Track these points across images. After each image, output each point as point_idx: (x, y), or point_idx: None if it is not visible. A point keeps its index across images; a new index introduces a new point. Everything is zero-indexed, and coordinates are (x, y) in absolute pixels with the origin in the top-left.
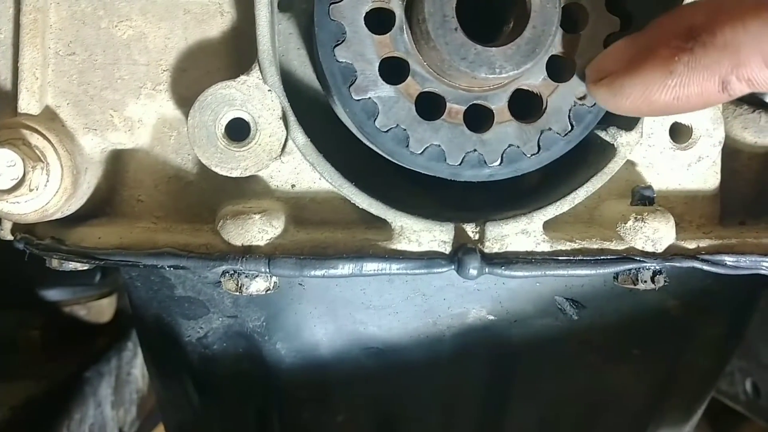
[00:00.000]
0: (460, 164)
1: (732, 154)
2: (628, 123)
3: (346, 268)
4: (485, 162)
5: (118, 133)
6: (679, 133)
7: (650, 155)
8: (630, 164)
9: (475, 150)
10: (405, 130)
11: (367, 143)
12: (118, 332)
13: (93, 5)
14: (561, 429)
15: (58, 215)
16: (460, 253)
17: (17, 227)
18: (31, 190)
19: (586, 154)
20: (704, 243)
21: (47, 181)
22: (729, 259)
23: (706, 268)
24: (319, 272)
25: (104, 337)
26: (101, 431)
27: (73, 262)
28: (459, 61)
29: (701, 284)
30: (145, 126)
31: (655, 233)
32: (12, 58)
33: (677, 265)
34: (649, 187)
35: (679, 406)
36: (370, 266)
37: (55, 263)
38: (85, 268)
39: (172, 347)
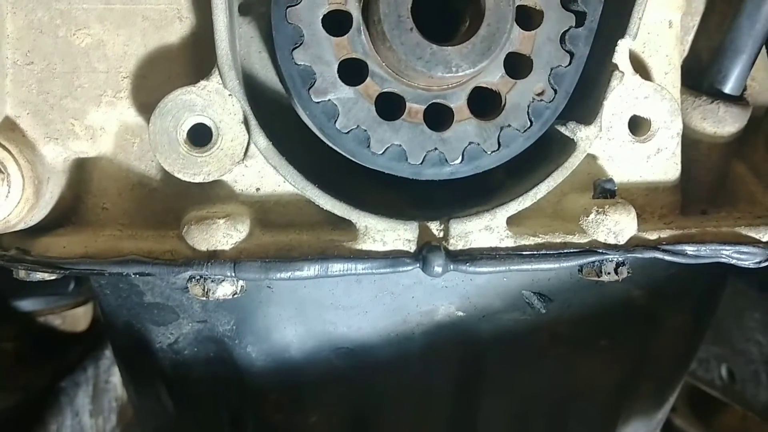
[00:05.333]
0: (421, 163)
1: (692, 144)
2: (587, 117)
3: (311, 269)
4: (446, 160)
5: (79, 142)
6: (637, 126)
7: (610, 148)
8: (591, 158)
9: (435, 149)
10: (365, 130)
11: (329, 144)
12: (94, 341)
13: (50, 14)
14: (533, 422)
15: (21, 225)
16: (425, 251)
17: None
18: None
19: (548, 150)
20: (665, 233)
21: (8, 192)
22: (690, 249)
23: (667, 258)
24: (284, 274)
25: (80, 347)
26: None
27: (40, 273)
28: (415, 61)
29: (665, 273)
30: (107, 134)
31: (617, 225)
32: None
33: (639, 256)
34: (610, 180)
35: (649, 394)
36: (336, 267)
37: (22, 274)
38: (53, 278)
39: (143, 354)
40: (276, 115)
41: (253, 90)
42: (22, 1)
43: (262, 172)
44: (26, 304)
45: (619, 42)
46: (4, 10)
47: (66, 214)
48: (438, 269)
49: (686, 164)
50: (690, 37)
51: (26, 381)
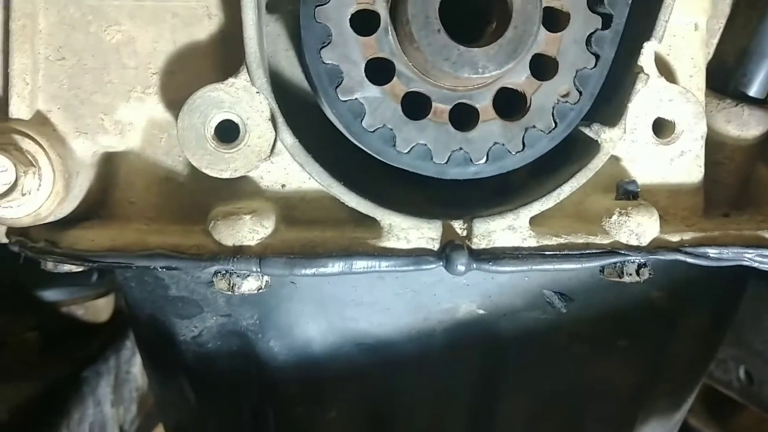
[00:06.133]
0: (446, 163)
1: (716, 147)
2: (612, 119)
3: (335, 266)
4: (471, 160)
5: (108, 137)
6: (662, 129)
7: (634, 150)
8: (615, 159)
9: (460, 148)
10: (391, 129)
11: (355, 142)
12: (116, 331)
13: (82, 10)
14: (551, 420)
15: (51, 218)
16: (448, 250)
17: (12, 230)
18: (23, 195)
19: (572, 151)
20: (687, 236)
21: (39, 185)
22: (712, 251)
23: (690, 260)
24: (309, 271)
25: (102, 337)
26: (101, 430)
27: (67, 265)
28: (442, 62)
29: (685, 275)
30: (136, 129)
31: (639, 227)
32: (2, 65)
33: (661, 257)
34: (633, 182)
35: (667, 395)
36: (360, 264)
37: (49, 265)
38: (80, 269)
39: (167, 347)
40: (302, 113)
41: (280, 87)
42: None
43: (288, 169)
44: (49, 295)
45: (644, 44)
46: (38, 6)
47: (94, 208)
48: (461, 268)
49: (709, 167)
50: (715, 40)
51: (49, 371)
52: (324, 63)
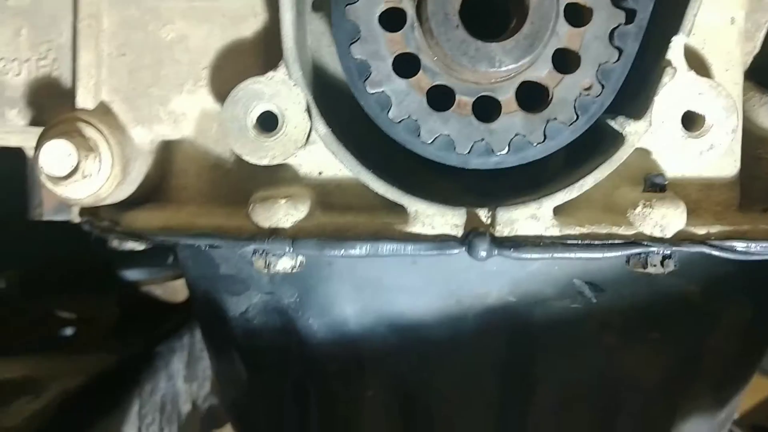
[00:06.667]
0: (468, 153)
1: (757, 141)
2: (638, 112)
3: (363, 248)
4: (493, 150)
5: (163, 126)
6: (691, 122)
7: (663, 143)
8: (645, 152)
9: (482, 139)
10: (416, 120)
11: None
12: (191, 312)
13: (140, 11)
14: (582, 411)
15: (111, 199)
16: (471, 236)
17: (84, 211)
18: (84, 177)
19: (601, 144)
20: (714, 229)
21: (99, 168)
22: (739, 245)
23: (715, 253)
24: (337, 252)
25: (178, 316)
26: (173, 402)
27: (129, 243)
28: (460, 57)
29: (723, 270)
30: (188, 119)
31: (663, 219)
32: (71, 60)
33: (685, 250)
34: (661, 175)
35: (710, 392)
36: (386, 247)
37: (114, 243)
38: (142, 248)
39: (220, 322)
40: (344, 105)
41: (323, 81)
42: (117, 0)
43: (324, 158)
44: (130, 274)
45: (673, 38)
46: (102, 8)
47: (152, 192)
48: (483, 254)
49: (750, 162)
50: (762, 34)
51: (126, 345)
52: (354, 58)
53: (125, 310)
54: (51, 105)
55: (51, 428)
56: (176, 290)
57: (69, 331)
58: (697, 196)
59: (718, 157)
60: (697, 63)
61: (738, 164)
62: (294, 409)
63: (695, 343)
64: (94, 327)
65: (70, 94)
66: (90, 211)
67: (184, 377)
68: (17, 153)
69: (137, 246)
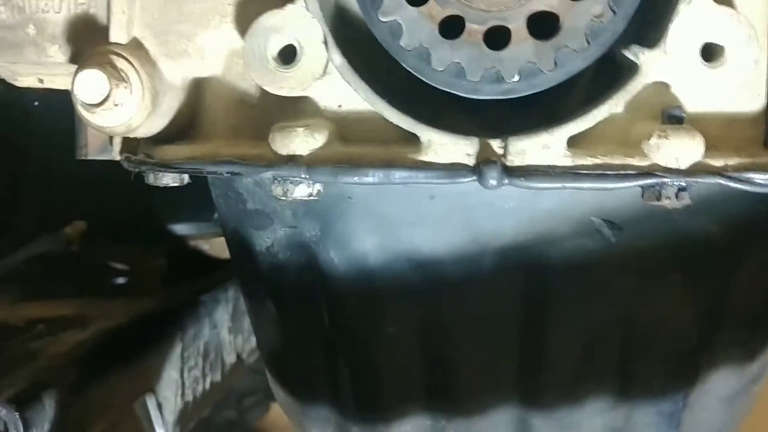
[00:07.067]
0: (478, 81)
1: None
2: (652, 40)
3: (375, 176)
4: (503, 78)
5: (192, 61)
6: (710, 53)
7: (681, 75)
8: (663, 87)
9: (493, 67)
10: (427, 48)
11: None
12: None
13: None
14: (602, 355)
15: (143, 131)
16: (482, 165)
17: (124, 148)
18: (115, 105)
19: (618, 76)
20: (732, 161)
21: (130, 98)
22: (758, 177)
23: (731, 185)
24: (351, 179)
25: (224, 272)
26: (217, 351)
27: (165, 178)
28: None
29: (749, 208)
30: (216, 55)
31: (678, 150)
32: None
33: (700, 181)
34: (678, 107)
35: (736, 342)
36: (398, 175)
37: (150, 179)
38: (176, 184)
39: (249, 258)
40: (362, 40)
41: (344, 15)
42: None
43: (343, 91)
44: (178, 228)
45: None
46: None
47: (185, 128)
48: (493, 182)
49: None
50: None
51: (171, 292)
52: None
53: (173, 264)
54: (88, 41)
55: (94, 357)
56: (223, 247)
57: (121, 281)
58: (718, 132)
59: (739, 90)
60: None
61: (763, 99)
62: (321, 347)
63: (719, 286)
64: (143, 277)
65: (105, 31)
66: (128, 149)
67: (229, 329)
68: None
69: (172, 181)
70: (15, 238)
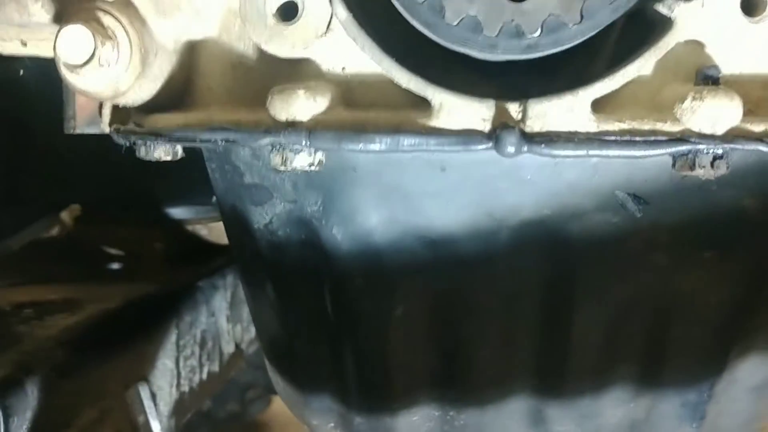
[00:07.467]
0: (497, 35)
1: None
2: None
3: (382, 143)
4: (524, 32)
5: (186, 19)
6: (752, 6)
7: (718, 32)
8: (699, 46)
9: (513, 20)
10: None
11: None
12: None
13: None
14: (629, 336)
15: (133, 96)
16: (498, 130)
17: (114, 120)
18: (101, 65)
19: (650, 34)
20: None
21: (117, 58)
22: None
23: None
24: (356, 146)
25: (223, 258)
26: (214, 340)
27: (157, 151)
28: None
29: None
30: (211, 13)
31: (714, 113)
32: None
33: (739, 147)
34: (714, 66)
35: None
36: (407, 141)
37: (142, 152)
38: (168, 157)
39: (247, 237)
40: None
41: None
42: None
43: (347, 52)
44: (176, 212)
45: None
46: None
47: (180, 96)
48: (511, 149)
49: None
50: None
51: (168, 278)
52: None
53: (170, 248)
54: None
55: (84, 342)
56: (223, 233)
57: (116, 265)
58: (758, 94)
59: None
60: None
61: None
62: (324, 332)
63: (755, 265)
64: (139, 262)
65: None
66: (118, 120)
67: (228, 317)
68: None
69: (164, 154)
70: (12, 220)
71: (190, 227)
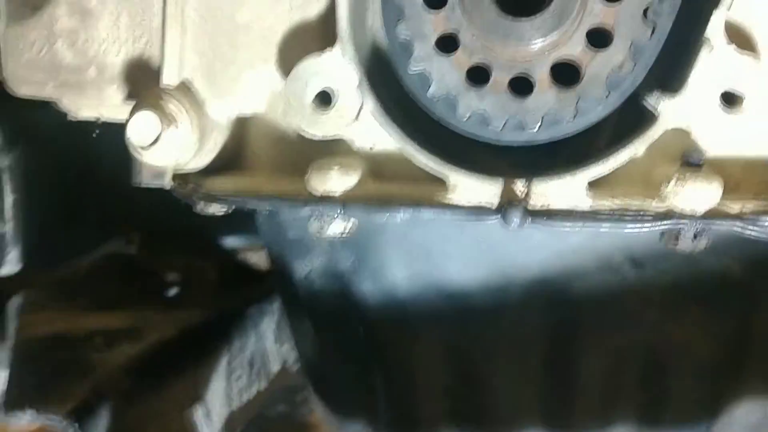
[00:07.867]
0: (501, 129)
1: None
2: (673, 87)
3: (405, 214)
4: (526, 125)
5: (237, 102)
6: (732, 99)
7: (702, 121)
8: (684, 131)
9: (517, 115)
10: (455, 96)
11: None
12: None
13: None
14: (628, 387)
15: (192, 166)
16: (505, 207)
17: (175, 177)
18: (165, 145)
19: (640, 121)
20: (749, 206)
21: (179, 138)
22: None
23: (747, 230)
24: (383, 217)
25: (270, 282)
26: (263, 360)
27: (212, 207)
28: (492, 34)
29: (765, 248)
30: (258, 95)
31: (695, 194)
32: (160, 43)
33: (716, 227)
34: (696, 151)
35: (759, 375)
36: (426, 213)
37: (199, 207)
38: (221, 212)
39: (289, 283)
40: (394, 81)
41: (382, 58)
42: None
43: (375, 133)
44: (229, 241)
45: (713, 12)
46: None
47: (231, 161)
48: (515, 223)
49: None
50: None
51: (219, 304)
52: (398, 37)
53: (223, 275)
54: (142, 82)
55: (147, 369)
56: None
57: (172, 292)
58: (739, 176)
59: (760, 135)
60: (739, 37)
61: None
62: (357, 367)
63: (741, 322)
64: (194, 288)
65: (158, 72)
66: (180, 177)
67: (274, 339)
68: None
69: (218, 210)
70: (77, 242)
71: (241, 255)
